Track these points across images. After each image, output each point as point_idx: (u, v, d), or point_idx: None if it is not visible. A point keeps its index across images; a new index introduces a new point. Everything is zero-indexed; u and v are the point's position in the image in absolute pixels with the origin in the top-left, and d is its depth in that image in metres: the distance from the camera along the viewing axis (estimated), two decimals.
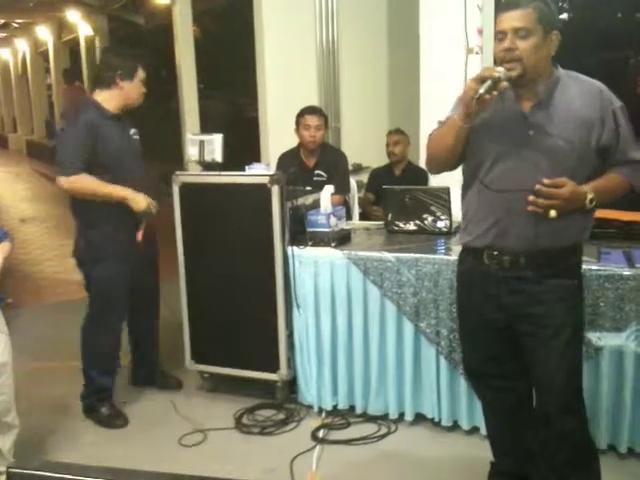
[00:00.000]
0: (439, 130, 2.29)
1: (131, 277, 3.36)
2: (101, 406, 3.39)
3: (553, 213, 2.10)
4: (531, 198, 2.10)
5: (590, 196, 2.13)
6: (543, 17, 2.07)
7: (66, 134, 3.32)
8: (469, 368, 2.54)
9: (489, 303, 2.29)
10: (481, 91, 2.03)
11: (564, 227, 2.16)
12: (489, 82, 2.03)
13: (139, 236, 3.28)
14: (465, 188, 2.33)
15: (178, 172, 3.51)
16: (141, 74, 3.36)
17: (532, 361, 2.27)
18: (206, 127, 7.64)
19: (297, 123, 4.07)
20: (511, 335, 2.30)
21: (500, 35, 2.11)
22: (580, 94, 2.16)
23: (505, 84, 2.06)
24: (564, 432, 2.25)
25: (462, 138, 2.19)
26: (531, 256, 2.19)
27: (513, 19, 2.07)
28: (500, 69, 2.07)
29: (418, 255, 3.09)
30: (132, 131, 3.44)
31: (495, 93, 2.05)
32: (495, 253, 2.23)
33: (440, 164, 2.35)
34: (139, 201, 3.24)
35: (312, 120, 4.01)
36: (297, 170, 3.83)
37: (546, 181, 2.09)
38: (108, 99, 3.31)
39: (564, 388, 2.23)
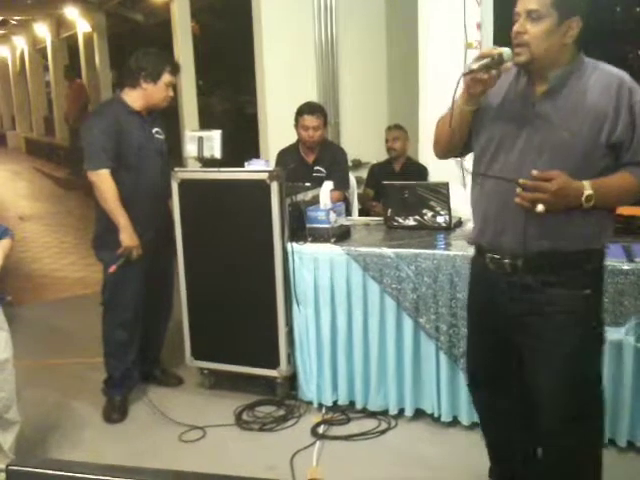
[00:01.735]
0: (445, 113, 2.20)
1: (147, 276, 3.40)
2: (113, 394, 3.45)
3: (540, 207, 1.94)
4: (518, 190, 1.96)
5: (587, 192, 1.94)
6: (560, 1, 1.97)
7: (91, 127, 3.33)
8: (470, 367, 2.49)
9: (492, 309, 2.22)
10: (473, 67, 1.96)
11: (561, 227, 2.02)
12: (485, 60, 1.96)
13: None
14: (472, 180, 2.26)
15: (177, 168, 3.51)
16: (167, 78, 3.37)
17: (529, 374, 2.19)
18: (205, 124, 7.63)
19: (296, 120, 4.04)
20: (512, 342, 2.21)
21: (515, 17, 2.02)
22: (596, 84, 2.00)
23: (509, 65, 1.98)
24: (562, 449, 2.18)
25: (464, 121, 2.11)
26: (528, 259, 2.06)
27: (527, 1, 1.99)
28: (505, 49, 1.98)
29: (417, 250, 3.09)
30: (155, 130, 3.44)
31: (494, 72, 1.98)
32: (497, 257, 2.15)
33: (444, 148, 2.29)
34: (129, 237, 3.26)
35: (310, 121, 3.96)
36: (296, 166, 3.82)
37: (535, 173, 1.95)
38: (134, 98, 3.36)
39: (561, 406, 2.13)
